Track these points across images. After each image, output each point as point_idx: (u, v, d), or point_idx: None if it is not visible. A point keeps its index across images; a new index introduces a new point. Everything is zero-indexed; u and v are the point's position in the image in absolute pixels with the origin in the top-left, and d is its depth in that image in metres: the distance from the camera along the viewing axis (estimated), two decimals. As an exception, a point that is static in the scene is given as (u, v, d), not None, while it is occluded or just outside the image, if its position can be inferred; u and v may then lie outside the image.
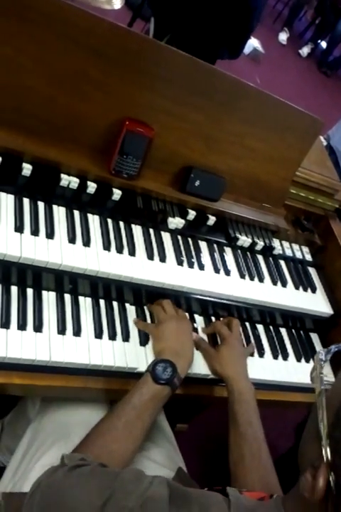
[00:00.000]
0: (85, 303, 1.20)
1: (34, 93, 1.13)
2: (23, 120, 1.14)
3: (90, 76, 1.15)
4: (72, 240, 1.16)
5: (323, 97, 6.46)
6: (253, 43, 5.74)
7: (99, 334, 1.15)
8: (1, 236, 1.07)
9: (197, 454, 2.09)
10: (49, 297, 1.15)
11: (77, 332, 1.13)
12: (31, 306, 1.11)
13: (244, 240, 1.47)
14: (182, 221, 1.37)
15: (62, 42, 1.10)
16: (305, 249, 1.69)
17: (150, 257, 1.27)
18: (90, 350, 1.12)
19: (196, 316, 1.37)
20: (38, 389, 1.09)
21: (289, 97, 1.40)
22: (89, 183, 1.24)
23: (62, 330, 1.11)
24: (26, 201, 1.17)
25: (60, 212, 1.20)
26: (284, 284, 1.51)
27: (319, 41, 7.52)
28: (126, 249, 1.24)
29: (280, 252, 1.58)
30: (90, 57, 1.13)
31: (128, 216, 1.31)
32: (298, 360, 1.47)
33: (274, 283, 1.49)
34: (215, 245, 1.44)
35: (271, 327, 1.50)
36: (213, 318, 1.39)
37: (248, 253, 1.50)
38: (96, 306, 1.20)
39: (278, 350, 1.45)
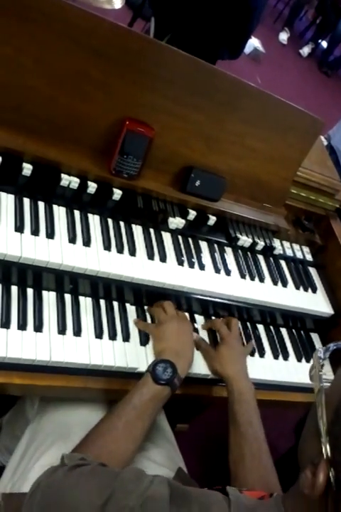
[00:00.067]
0: (85, 303, 1.20)
1: (35, 93, 1.13)
2: (23, 120, 1.14)
3: (91, 76, 1.15)
4: (72, 239, 1.16)
5: (324, 96, 6.46)
6: (253, 43, 5.73)
7: (99, 334, 1.15)
8: (2, 236, 1.07)
9: (197, 454, 2.09)
10: (49, 297, 1.15)
11: (77, 332, 1.13)
12: (31, 306, 1.11)
13: (245, 240, 1.47)
14: (183, 221, 1.37)
15: (62, 42, 1.10)
16: (306, 249, 1.69)
17: (151, 257, 1.27)
18: (90, 350, 1.12)
19: (196, 316, 1.37)
20: (38, 389, 1.09)
21: (290, 97, 1.40)
22: (89, 183, 1.24)
23: (62, 330, 1.11)
24: (26, 201, 1.17)
25: (60, 212, 1.20)
26: (285, 284, 1.51)
27: (319, 41, 7.51)
28: (126, 249, 1.24)
29: (281, 252, 1.58)
30: (91, 57, 1.13)
31: (129, 216, 1.31)
32: (299, 360, 1.47)
33: (275, 283, 1.49)
34: (216, 245, 1.44)
35: (272, 327, 1.50)
36: (213, 319, 1.39)
37: (248, 253, 1.50)
38: (96, 306, 1.20)
39: (279, 350, 1.45)
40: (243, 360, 1.27)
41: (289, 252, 1.62)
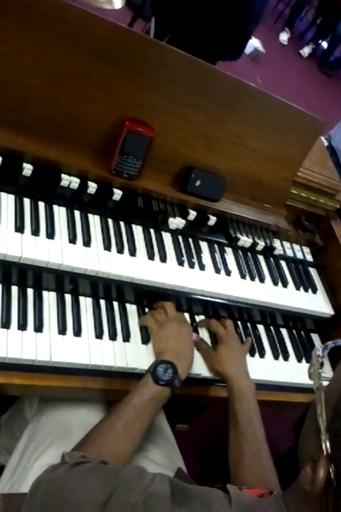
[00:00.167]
0: (86, 303, 1.20)
1: (35, 93, 1.13)
2: (23, 120, 1.14)
3: (91, 76, 1.15)
4: (72, 240, 1.16)
5: (324, 97, 6.46)
6: (254, 43, 5.73)
7: (99, 334, 1.15)
8: (2, 236, 1.07)
9: (197, 454, 2.09)
10: (49, 297, 1.15)
11: (77, 332, 1.13)
12: (32, 306, 1.11)
13: (245, 240, 1.47)
14: (183, 221, 1.37)
15: (62, 42, 1.10)
16: (306, 249, 1.69)
17: (151, 257, 1.27)
18: (91, 350, 1.12)
19: (196, 317, 1.37)
20: (38, 389, 1.09)
21: (290, 97, 1.40)
22: (89, 183, 1.24)
23: (62, 330, 1.11)
24: (27, 201, 1.17)
25: (60, 212, 1.20)
26: (285, 284, 1.51)
27: (320, 41, 7.52)
28: (126, 250, 1.24)
29: (281, 252, 1.58)
30: (91, 57, 1.13)
31: (129, 216, 1.31)
32: (299, 360, 1.47)
33: (275, 283, 1.49)
34: (216, 245, 1.44)
35: (272, 327, 1.50)
36: (208, 319, 1.38)
37: (249, 253, 1.50)
38: (96, 306, 1.20)
39: (279, 351, 1.45)
40: (243, 358, 1.27)
41: (289, 253, 1.62)
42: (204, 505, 0.74)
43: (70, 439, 1.05)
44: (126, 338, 1.19)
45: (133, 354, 1.18)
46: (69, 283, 1.18)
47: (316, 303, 1.56)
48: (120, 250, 1.22)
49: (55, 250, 1.12)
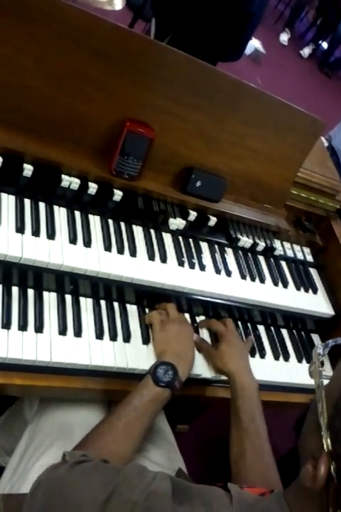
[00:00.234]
0: (86, 303, 1.20)
1: (35, 93, 1.13)
2: (23, 120, 1.14)
3: (91, 76, 1.15)
4: (73, 240, 1.16)
5: (324, 97, 6.46)
6: (254, 44, 5.73)
7: (99, 335, 1.15)
8: (2, 237, 1.07)
9: (198, 454, 2.09)
10: (50, 298, 1.15)
11: (77, 333, 1.13)
12: (32, 307, 1.11)
13: (245, 241, 1.47)
14: (183, 222, 1.37)
15: (62, 42, 1.10)
16: (307, 250, 1.69)
17: (151, 257, 1.27)
18: (91, 350, 1.12)
19: (197, 317, 1.37)
20: (38, 389, 1.09)
21: (290, 98, 1.40)
22: (90, 183, 1.24)
23: (62, 330, 1.11)
24: (27, 202, 1.17)
25: (61, 212, 1.20)
26: (285, 284, 1.51)
27: (320, 42, 7.51)
28: (127, 250, 1.24)
29: (282, 252, 1.58)
30: (91, 58, 1.13)
31: (129, 217, 1.31)
32: (299, 360, 1.47)
33: (275, 284, 1.49)
34: (216, 246, 1.44)
35: (272, 328, 1.50)
36: (208, 319, 1.38)
37: (249, 254, 1.50)
38: (97, 307, 1.20)
39: (279, 351, 1.45)
40: (245, 355, 1.27)
41: (290, 253, 1.62)
42: (205, 504, 0.74)
43: (71, 439, 1.05)
44: (127, 338, 1.19)
45: (133, 354, 1.18)
46: (69, 283, 1.18)
47: (316, 303, 1.56)
48: (120, 251, 1.22)
49: (55, 251, 1.12)
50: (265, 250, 1.52)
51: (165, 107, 1.25)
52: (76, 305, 1.17)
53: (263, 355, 1.40)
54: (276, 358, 1.42)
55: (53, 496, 0.76)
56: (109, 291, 1.23)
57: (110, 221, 1.27)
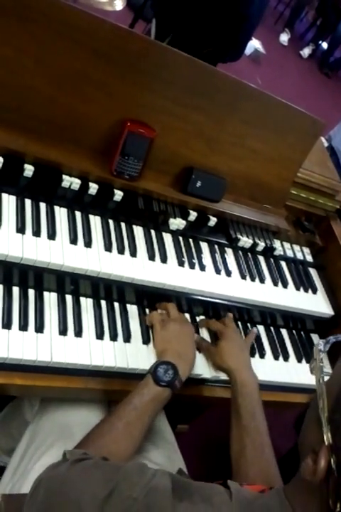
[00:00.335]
0: (86, 304, 1.20)
1: (35, 93, 1.13)
2: (24, 121, 1.14)
3: (91, 77, 1.15)
4: (73, 240, 1.16)
5: (324, 98, 6.46)
6: (254, 44, 5.73)
7: (100, 335, 1.16)
8: (3, 237, 1.07)
9: (198, 454, 2.09)
10: (50, 298, 1.15)
11: (78, 333, 1.13)
12: (33, 307, 1.11)
13: (245, 241, 1.47)
14: (184, 222, 1.37)
15: (63, 42, 1.10)
16: (306, 250, 1.69)
17: (152, 257, 1.27)
18: (91, 350, 1.12)
19: (197, 317, 1.37)
20: (38, 389, 1.10)
21: (290, 98, 1.40)
22: (90, 184, 1.25)
23: (63, 331, 1.11)
24: (28, 202, 1.17)
25: (61, 213, 1.21)
26: (285, 284, 1.51)
27: (320, 42, 7.51)
28: (127, 250, 1.24)
29: (281, 252, 1.58)
30: (91, 58, 1.13)
31: (130, 217, 1.31)
32: (299, 360, 1.47)
33: (275, 284, 1.49)
34: (216, 246, 1.44)
35: (272, 328, 1.50)
36: (208, 319, 1.38)
37: (249, 254, 1.50)
38: (97, 307, 1.20)
39: (279, 351, 1.45)
40: (245, 351, 1.27)
41: (289, 253, 1.62)
42: (205, 500, 0.74)
43: (72, 439, 1.05)
44: (127, 338, 1.19)
45: (133, 354, 1.18)
46: (70, 283, 1.18)
47: (316, 303, 1.56)
48: (121, 251, 1.23)
49: (56, 251, 1.12)
50: (265, 250, 1.53)
51: (166, 108, 1.25)
52: (76, 305, 1.17)
53: (262, 355, 1.40)
54: (276, 358, 1.43)
55: (54, 494, 0.77)
56: (109, 291, 1.23)
57: (110, 221, 1.27)
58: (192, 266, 1.33)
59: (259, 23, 2.75)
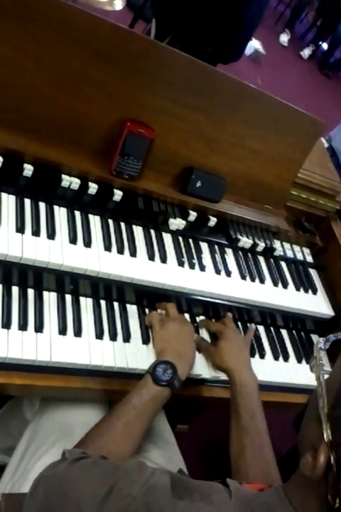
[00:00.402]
0: (86, 303, 1.20)
1: (35, 93, 1.13)
2: (23, 120, 1.14)
3: (91, 77, 1.15)
4: (73, 240, 1.16)
5: (324, 98, 6.46)
6: (254, 45, 5.73)
7: (99, 335, 1.15)
8: (3, 237, 1.07)
9: (198, 454, 2.09)
10: (50, 298, 1.15)
11: (77, 332, 1.13)
12: (32, 307, 1.11)
13: (245, 241, 1.47)
14: (183, 222, 1.37)
15: (63, 42, 1.10)
16: (306, 250, 1.69)
17: (151, 257, 1.27)
18: (91, 350, 1.12)
19: (197, 317, 1.37)
20: (38, 389, 1.09)
21: (290, 99, 1.40)
22: (90, 183, 1.24)
23: (62, 330, 1.11)
24: (27, 202, 1.17)
25: (61, 212, 1.21)
26: (285, 285, 1.51)
27: (320, 43, 7.52)
28: (127, 250, 1.24)
29: (282, 253, 1.58)
30: (91, 58, 1.13)
31: (129, 217, 1.31)
32: (299, 361, 1.47)
33: (275, 284, 1.49)
34: (216, 246, 1.44)
35: (272, 328, 1.50)
36: (213, 320, 1.39)
37: (249, 254, 1.50)
38: (97, 307, 1.20)
39: (279, 352, 1.45)
40: (244, 351, 1.27)
41: (289, 254, 1.62)
42: (204, 498, 0.74)
43: (72, 439, 1.05)
44: (127, 338, 1.19)
45: (133, 354, 1.18)
46: (69, 283, 1.18)
47: (316, 304, 1.56)
48: (120, 251, 1.22)
49: (55, 251, 1.12)
50: (265, 251, 1.52)
51: (166, 108, 1.25)
52: (76, 305, 1.17)
53: (262, 356, 1.40)
54: (276, 358, 1.42)
55: (53, 492, 0.77)
56: (109, 291, 1.23)
57: (110, 221, 1.27)
58: (192, 266, 1.33)
59: (259, 24, 2.75)
